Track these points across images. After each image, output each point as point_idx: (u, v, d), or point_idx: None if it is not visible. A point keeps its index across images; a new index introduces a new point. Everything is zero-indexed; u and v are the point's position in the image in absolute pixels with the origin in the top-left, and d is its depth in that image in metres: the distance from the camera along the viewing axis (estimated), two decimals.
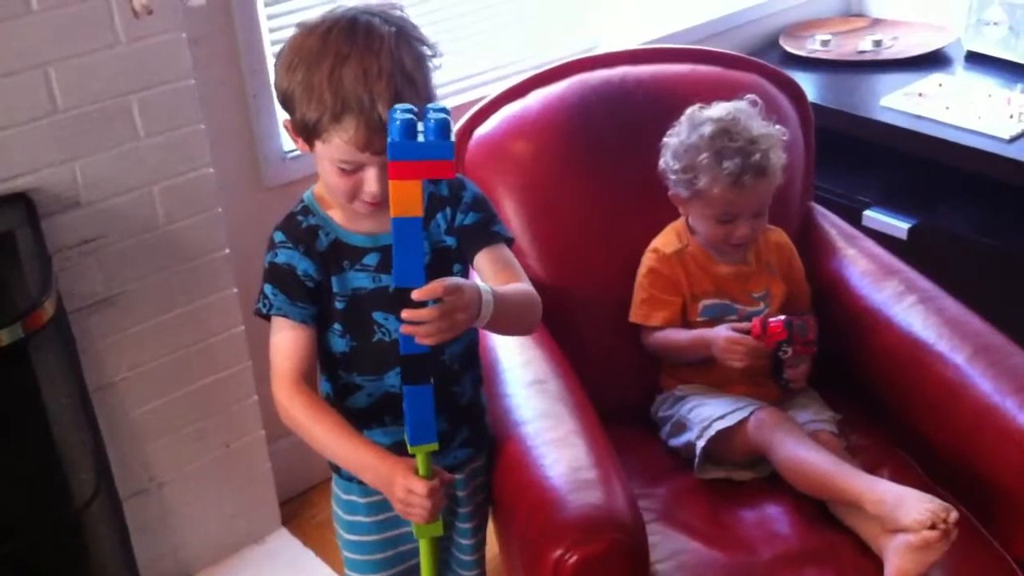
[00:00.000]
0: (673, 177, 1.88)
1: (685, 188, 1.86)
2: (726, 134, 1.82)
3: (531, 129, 2.00)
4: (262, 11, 2.13)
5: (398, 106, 1.23)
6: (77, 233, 1.88)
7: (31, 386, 1.64)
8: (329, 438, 1.40)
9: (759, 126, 1.85)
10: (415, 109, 1.23)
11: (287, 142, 2.21)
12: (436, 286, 1.26)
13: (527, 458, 1.56)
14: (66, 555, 1.78)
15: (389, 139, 1.21)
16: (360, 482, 1.51)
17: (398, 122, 1.20)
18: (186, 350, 2.08)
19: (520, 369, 1.74)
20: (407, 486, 1.34)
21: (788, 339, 1.80)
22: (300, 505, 2.45)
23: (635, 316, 1.93)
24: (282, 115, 1.44)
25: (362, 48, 1.31)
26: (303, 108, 1.34)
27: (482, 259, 1.47)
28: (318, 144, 1.36)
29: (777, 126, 1.89)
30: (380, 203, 1.36)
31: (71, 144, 1.83)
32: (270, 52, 2.13)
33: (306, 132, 1.36)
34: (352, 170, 1.35)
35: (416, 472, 1.35)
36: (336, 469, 1.57)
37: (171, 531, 2.19)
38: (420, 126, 1.22)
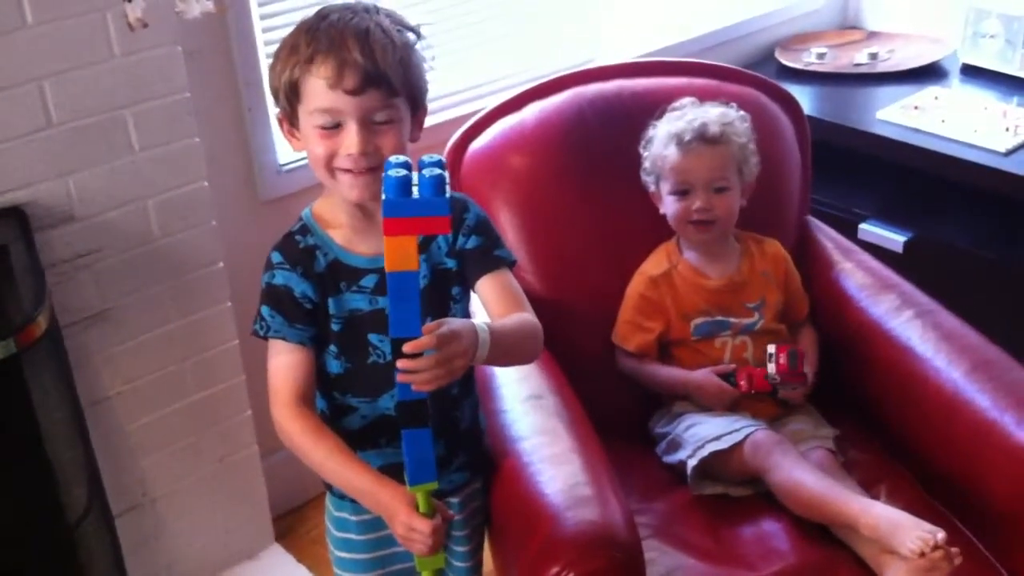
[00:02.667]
0: (643, 171, 1.95)
1: (650, 174, 1.93)
2: (676, 111, 1.94)
3: (527, 142, 2.00)
4: (258, 24, 2.13)
5: (391, 159, 1.24)
6: (71, 247, 1.87)
7: (24, 401, 1.63)
8: (328, 462, 1.40)
9: (714, 108, 1.92)
10: (409, 163, 1.23)
11: (283, 155, 2.21)
12: (430, 339, 1.25)
13: (524, 474, 1.55)
14: (58, 572, 1.76)
15: (383, 196, 1.20)
16: (352, 500, 1.51)
17: (392, 178, 1.19)
18: (180, 364, 2.07)
19: (516, 384, 1.73)
20: (409, 524, 1.34)
21: (774, 389, 1.85)
22: (294, 520, 2.44)
23: (614, 336, 1.95)
24: (279, 133, 1.45)
25: (342, 8, 1.37)
26: (283, 72, 1.36)
27: (484, 286, 1.46)
28: (300, 112, 1.37)
29: (741, 112, 1.93)
30: (364, 171, 1.35)
31: (66, 158, 1.82)
32: (266, 65, 2.12)
33: (288, 101, 1.37)
34: (332, 128, 1.35)
35: (417, 507, 1.35)
36: (329, 485, 1.55)
37: (164, 547, 2.17)
38: (415, 177, 1.22)
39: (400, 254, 1.22)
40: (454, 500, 1.56)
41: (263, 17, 2.14)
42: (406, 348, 1.25)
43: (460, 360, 1.29)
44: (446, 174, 1.21)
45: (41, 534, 1.72)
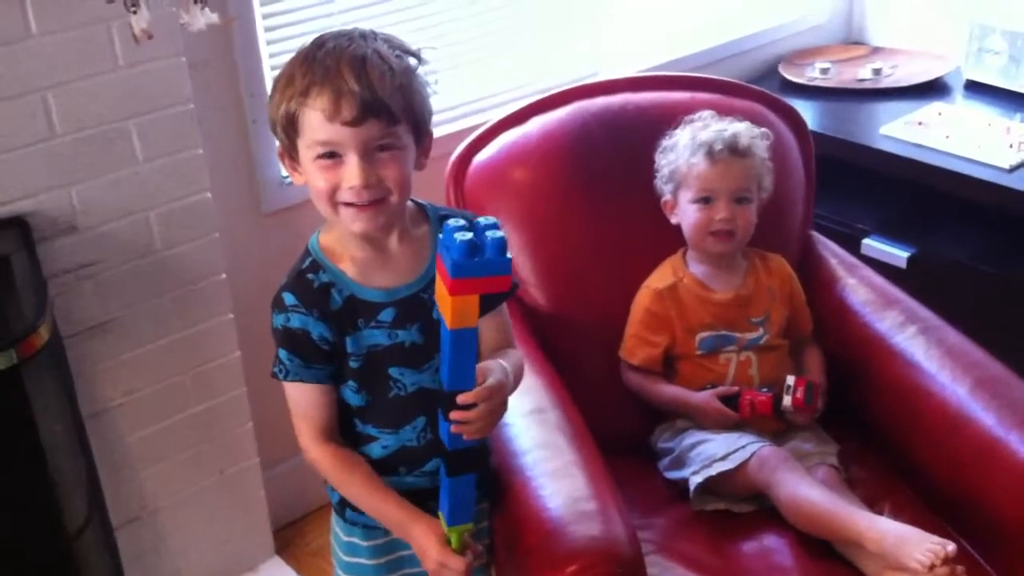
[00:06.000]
0: (659, 179, 1.94)
1: (669, 182, 1.92)
2: (697, 122, 1.93)
3: (531, 156, 2.00)
4: (262, 36, 2.13)
5: (451, 222, 1.23)
6: (73, 258, 1.86)
7: (25, 412, 1.62)
8: (358, 493, 1.45)
9: (738, 122, 1.92)
10: (467, 225, 1.23)
11: None
12: (483, 392, 1.31)
13: (526, 489, 1.54)
14: None
15: (452, 258, 1.21)
16: (363, 526, 1.52)
17: (460, 241, 1.20)
18: (182, 376, 2.06)
19: (519, 398, 1.70)
20: (443, 562, 1.39)
21: (778, 409, 1.84)
22: (294, 533, 2.43)
23: (621, 350, 1.94)
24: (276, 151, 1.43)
25: (338, 35, 1.34)
26: (280, 105, 1.33)
27: (485, 323, 1.43)
28: (299, 145, 1.34)
29: (764, 129, 1.94)
30: (367, 204, 1.33)
31: (69, 168, 1.82)
32: (270, 77, 2.12)
33: (287, 135, 1.34)
34: (331, 159, 1.32)
35: (448, 543, 1.40)
36: (340, 512, 1.54)
37: (164, 559, 2.16)
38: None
39: (463, 312, 1.25)
40: None
41: (267, 29, 2.14)
42: (462, 399, 1.29)
43: (503, 408, 1.36)
44: (505, 236, 1.24)
45: (40, 545, 1.71)
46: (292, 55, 1.36)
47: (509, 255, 1.23)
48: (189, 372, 2.07)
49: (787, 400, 1.83)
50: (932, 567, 1.51)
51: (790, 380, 1.84)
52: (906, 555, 1.53)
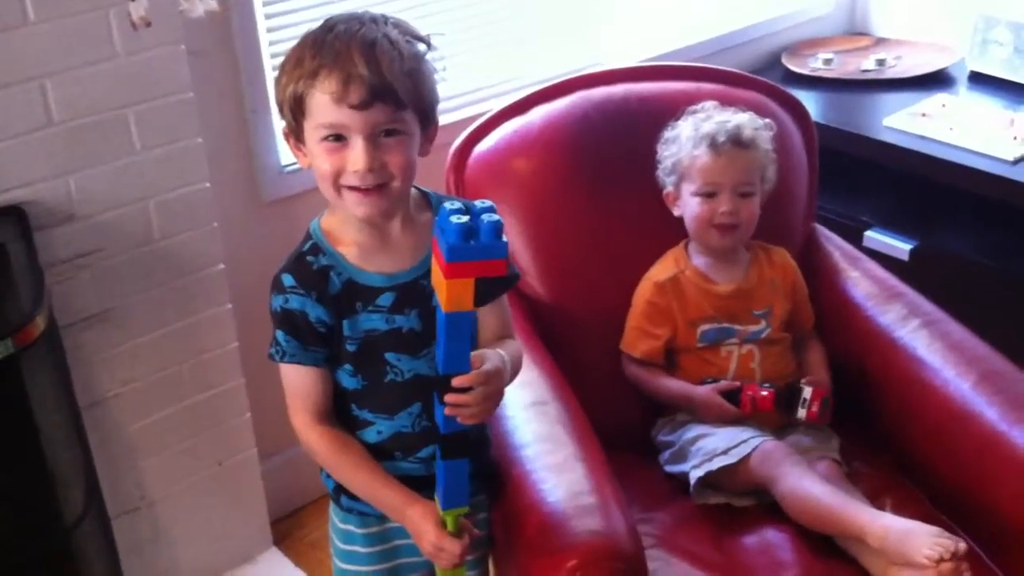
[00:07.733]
0: (662, 171, 1.93)
1: (671, 174, 1.90)
2: (699, 113, 1.91)
3: (532, 146, 1.98)
4: (262, 24, 2.11)
5: (447, 205, 1.22)
6: (71, 247, 1.85)
7: (21, 402, 1.61)
8: (354, 477, 1.44)
9: (741, 113, 1.90)
10: (464, 209, 1.22)
11: (285, 156, 2.20)
12: (477, 375, 1.30)
13: (526, 482, 1.53)
14: (55, 575, 1.74)
15: (447, 242, 1.20)
16: (358, 513, 1.51)
17: (455, 224, 1.20)
18: (179, 366, 2.05)
19: (519, 390, 1.70)
20: (438, 544, 1.38)
21: (784, 405, 1.83)
22: (292, 524, 2.43)
23: (622, 343, 1.94)
24: (282, 134, 1.42)
25: (348, 18, 1.33)
26: (288, 87, 1.32)
27: (485, 313, 1.44)
28: (306, 127, 1.33)
29: (767, 120, 1.92)
30: (372, 188, 1.33)
31: (66, 157, 1.80)
32: (269, 66, 2.11)
33: (294, 116, 1.34)
34: (337, 141, 1.31)
35: (444, 526, 1.39)
36: (336, 499, 1.54)
37: (161, 550, 2.15)
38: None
39: (459, 296, 1.24)
40: None
41: (267, 17, 2.12)
42: (456, 382, 1.28)
43: (499, 396, 1.35)
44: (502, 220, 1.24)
45: (37, 536, 1.70)
46: (299, 37, 1.35)
47: (505, 239, 1.22)
48: (187, 362, 2.06)
49: (802, 413, 1.82)
50: (940, 560, 1.50)
51: (807, 393, 1.82)
52: (913, 549, 1.52)
